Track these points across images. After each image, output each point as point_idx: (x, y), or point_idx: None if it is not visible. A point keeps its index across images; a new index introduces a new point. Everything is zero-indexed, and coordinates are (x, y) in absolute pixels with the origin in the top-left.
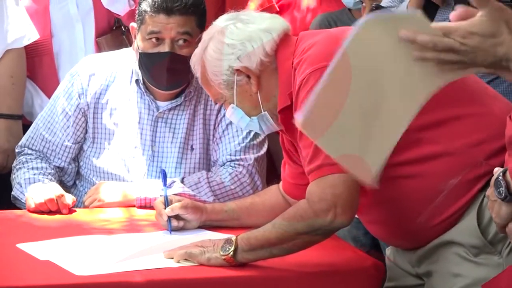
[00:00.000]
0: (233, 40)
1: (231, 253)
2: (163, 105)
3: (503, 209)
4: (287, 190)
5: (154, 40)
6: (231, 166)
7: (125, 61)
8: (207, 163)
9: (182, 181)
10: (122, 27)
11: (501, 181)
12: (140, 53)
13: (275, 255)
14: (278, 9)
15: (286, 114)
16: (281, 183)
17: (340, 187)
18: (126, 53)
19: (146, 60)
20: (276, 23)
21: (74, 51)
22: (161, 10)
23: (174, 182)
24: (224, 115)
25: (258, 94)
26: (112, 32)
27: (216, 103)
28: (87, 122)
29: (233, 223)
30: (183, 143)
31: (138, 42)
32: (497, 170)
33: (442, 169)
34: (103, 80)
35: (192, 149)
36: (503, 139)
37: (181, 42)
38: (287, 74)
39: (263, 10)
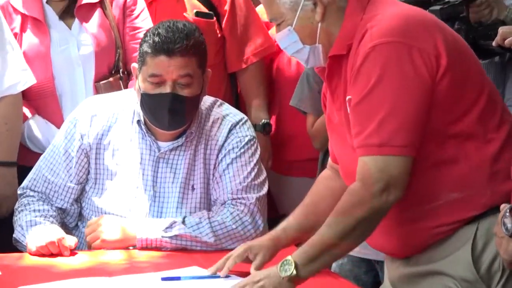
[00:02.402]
0: None
1: (293, 272)
2: (165, 145)
3: (511, 245)
4: (335, 159)
5: (155, 81)
6: (232, 205)
7: (126, 102)
8: (208, 203)
9: (183, 222)
10: (120, 72)
11: (508, 217)
12: (142, 94)
13: (337, 256)
14: (276, 48)
15: (335, 61)
16: (329, 160)
17: (398, 169)
18: (128, 94)
19: (148, 101)
20: None
21: (75, 94)
22: (162, 52)
23: (175, 222)
24: (225, 155)
25: (319, 25)
26: (110, 77)
27: (270, 21)
28: (89, 163)
29: (308, 234)
30: (184, 183)
31: (140, 82)
32: (504, 207)
33: (453, 177)
34: (105, 121)
35: (193, 189)
36: None
37: (182, 83)
38: (352, 23)
39: (263, 50)
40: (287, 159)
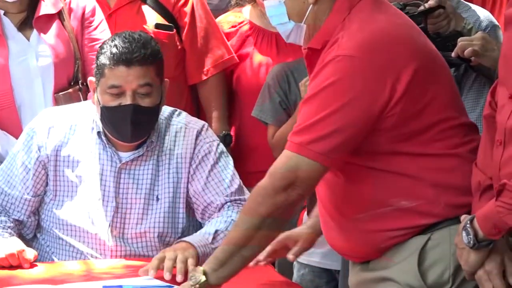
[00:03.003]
0: None
1: (202, 279)
2: (126, 156)
3: (472, 256)
4: None
5: (115, 93)
6: (233, 206)
7: (85, 113)
8: (173, 214)
9: (217, 231)
10: (80, 83)
11: (469, 229)
12: (101, 108)
13: (248, 259)
14: (238, 60)
15: (313, 53)
16: None
17: (306, 172)
18: (86, 106)
19: (108, 114)
20: None
21: (34, 105)
22: (121, 62)
23: (217, 232)
24: (200, 162)
25: (310, 7)
26: (70, 88)
27: None
28: (47, 175)
29: None
30: (147, 194)
31: (98, 95)
32: (465, 218)
33: (403, 187)
34: (63, 133)
35: (157, 199)
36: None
37: (142, 92)
38: (335, 21)
39: (223, 62)
40: (248, 170)
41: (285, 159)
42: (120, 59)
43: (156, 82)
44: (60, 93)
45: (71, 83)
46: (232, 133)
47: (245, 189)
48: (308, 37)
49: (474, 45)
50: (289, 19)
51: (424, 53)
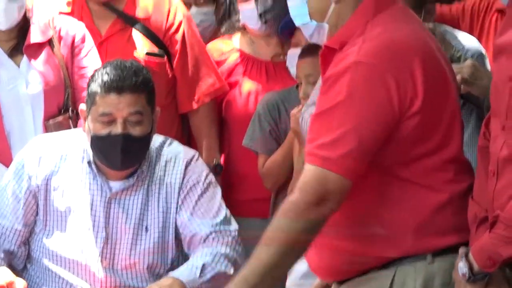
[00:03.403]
0: None
1: None
2: (116, 185)
3: None
4: None
5: (105, 120)
6: (218, 238)
7: (75, 142)
8: (163, 244)
9: (205, 265)
10: (70, 111)
11: (465, 262)
12: (92, 136)
13: (279, 278)
14: (228, 88)
15: (329, 52)
16: None
17: (336, 186)
18: (76, 134)
19: (99, 142)
20: None
21: (24, 132)
22: (112, 90)
23: (204, 265)
24: (188, 192)
25: (333, 5)
26: (60, 116)
27: None
28: (37, 204)
29: None
30: (137, 224)
31: (89, 123)
32: (461, 251)
33: (386, 212)
34: (54, 162)
35: (146, 230)
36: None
37: (133, 121)
38: (357, 23)
39: (215, 90)
40: (238, 198)
41: (313, 173)
42: (111, 87)
43: (147, 111)
44: (50, 121)
45: (61, 111)
46: (221, 160)
47: (232, 220)
48: (329, 36)
49: (463, 72)
50: (311, 19)
51: (443, 74)
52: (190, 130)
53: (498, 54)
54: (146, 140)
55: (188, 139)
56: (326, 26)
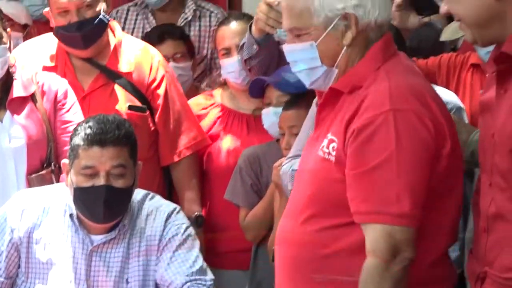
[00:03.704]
0: None
1: None
2: (97, 238)
3: None
4: None
5: (88, 173)
6: (194, 285)
7: (57, 196)
8: None
9: None
10: (52, 165)
11: None
12: (75, 189)
13: None
14: (210, 142)
15: (334, 94)
16: None
17: (405, 236)
18: (59, 188)
19: (81, 195)
20: (390, 5)
21: (7, 186)
22: (95, 143)
23: None
24: (167, 244)
25: (344, 49)
26: (43, 170)
27: (288, 30)
28: (20, 257)
29: None
30: (118, 277)
31: (72, 176)
32: None
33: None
34: (36, 215)
35: (127, 282)
36: None
37: (116, 173)
38: (368, 67)
39: (196, 144)
40: (220, 251)
41: (378, 234)
42: (94, 140)
43: (130, 164)
44: (33, 175)
45: (44, 165)
46: (203, 212)
47: (208, 270)
48: (336, 79)
49: None
50: (321, 64)
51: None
52: (172, 182)
53: (483, 111)
54: (128, 192)
55: (170, 192)
56: (335, 71)
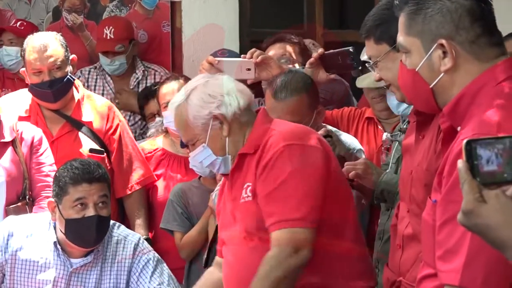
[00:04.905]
0: (215, 92)
1: None
2: (76, 261)
3: None
4: (220, 254)
5: (79, 206)
6: None
7: (42, 223)
8: None
9: None
10: (27, 198)
11: None
12: (67, 220)
13: None
14: (156, 179)
15: (242, 159)
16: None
17: (305, 236)
18: (43, 217)
19: (74, 225)
20: (247, 90)
21: None
22: (84, 180)
23: None
24: (141, 271)
25: (227, 139)
26: (19, 202)
27: (186, 144)
28: (4, 276)
29: None
30: None
31: (62, 211)
32: None
33: (321, 262)
34: (22, 238)
35: None
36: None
37: (101, 204)
38: (261, 130)
39: (144, 180)
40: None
41: (284, 233)
42: (83, 178)
43: (109, 196)
44: (11, 206)
45: (19, 198)
46: (150, 235)
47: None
48: (233, 160)
49: (357, 169)
50: (216, 156)
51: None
52: (125, 211)
53: (404, 153)
54: (109, 220)
55: (122, 218)
56: (229, 156)
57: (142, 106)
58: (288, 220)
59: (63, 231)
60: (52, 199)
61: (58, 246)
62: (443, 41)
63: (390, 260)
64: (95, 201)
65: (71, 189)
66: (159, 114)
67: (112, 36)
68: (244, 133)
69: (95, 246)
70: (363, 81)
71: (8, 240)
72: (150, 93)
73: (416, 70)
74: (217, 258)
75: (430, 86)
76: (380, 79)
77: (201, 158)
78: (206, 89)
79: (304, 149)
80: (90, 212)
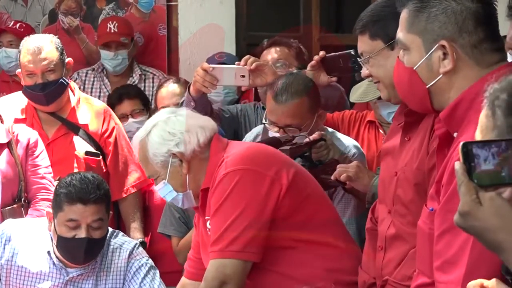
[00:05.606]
0: (174, 130)
1: None
2: (72, 271)
3: None
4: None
5: (71, 225)
6: None
7: (40, 230)
8: None
9: None
10: (22, 200)
11: None
12: (58, 237)
13: None
14: (150, 181)
15: (206, 193)
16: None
17: (233, 269)
18: (41, 223)
19: (64, 244)
20: (210, 124)
21: None
22: (78, 201)
23: None
24: (132, 277)
25: (187, 176)
26: (14, 204)
27: (149, 178)
28: (0, 281)
29: None
30: None
31: (56, 226)
32: None
33: (304, 273)
34: (19, 244)
35: None
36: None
37: (95, 226)
38: (216, 160)
39: (140, 183)
40: (161, 271)
41: (212, 266)
42: (78, 198)
43: (106, 217)
44: (6, 208)
45: (15, 200)
46: (146, 240)
47: None
48: (197, 195)
49: (349, 172)
50: (177, 192)
51: (294, 164)
52: (120, 214)
53: (385, 156)
54: (103, 240)
55: (118, 221)
56: (190, 192)
57: (113, 105)
58: (218, 250)
59: (55, 244)
60: (50, 210)
61: (53, 255)
62: (445, 42)
63: (366, 262)
64: (88, 223)
65: (66, 207)
66: (132, 115)
67: (116, 30)
68: (205, 168)
69: (85, 264)
70: (354, 94)
71: (5, 245)
72: (126, 93)
73: (414, 68)
74: (183, 280)
75: (427, 86)
76: (369, 75)
77: (163, 194)
78: (166, 127)
79: (248, 174)
80: (82, 234)
